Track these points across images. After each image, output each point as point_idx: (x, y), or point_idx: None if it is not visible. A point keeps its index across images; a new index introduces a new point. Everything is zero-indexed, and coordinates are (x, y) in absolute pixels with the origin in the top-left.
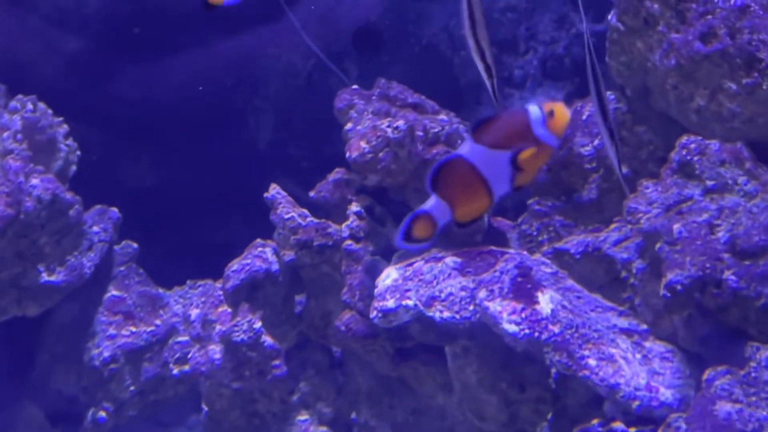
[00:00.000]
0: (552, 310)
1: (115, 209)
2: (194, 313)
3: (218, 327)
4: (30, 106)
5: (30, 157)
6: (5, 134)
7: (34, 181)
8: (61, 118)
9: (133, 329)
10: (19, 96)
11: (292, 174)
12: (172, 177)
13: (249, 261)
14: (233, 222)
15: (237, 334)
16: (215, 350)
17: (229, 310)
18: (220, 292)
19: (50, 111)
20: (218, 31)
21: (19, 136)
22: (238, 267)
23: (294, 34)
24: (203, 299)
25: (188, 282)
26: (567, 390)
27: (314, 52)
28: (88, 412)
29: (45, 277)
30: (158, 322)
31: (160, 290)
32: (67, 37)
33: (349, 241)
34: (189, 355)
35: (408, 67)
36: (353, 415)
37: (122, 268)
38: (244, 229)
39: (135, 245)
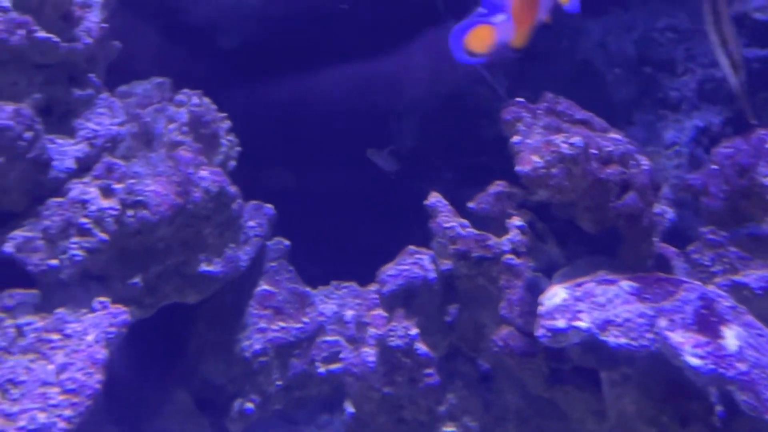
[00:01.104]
0: (738, 347)
1: (270, 206)
2: (349, 314)
3: (372, 330)
4: (196, 99)
5: (199, 150)
6: (171, 126)
7: (203, 173)
8: (224, 114)
9: (283, 324)
10: (185, 90)
11: (433, 183)
12: (311, 179)
13: (407, 267)
14: (371, 227)
15: (392, 339)
16: (369, 353)
17: (384, 313)
18: (375, 296)
19: (214, 106)
20: (366, 34)
21: (185, 128)
22: (395, 272)
23: (443, 42)
24: (358, 301)
25: (332, 283)
26: (732, 430)
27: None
28: (234, 402)
29: (204, 266)
30: (306, 319)
31: (307, 288)
32: (222, 37)
33: (510, 255)
34: (341, 356)
35: (559, 81)
36: None
37: (273, 264)
38: (382, 234)
39: (287, 242)
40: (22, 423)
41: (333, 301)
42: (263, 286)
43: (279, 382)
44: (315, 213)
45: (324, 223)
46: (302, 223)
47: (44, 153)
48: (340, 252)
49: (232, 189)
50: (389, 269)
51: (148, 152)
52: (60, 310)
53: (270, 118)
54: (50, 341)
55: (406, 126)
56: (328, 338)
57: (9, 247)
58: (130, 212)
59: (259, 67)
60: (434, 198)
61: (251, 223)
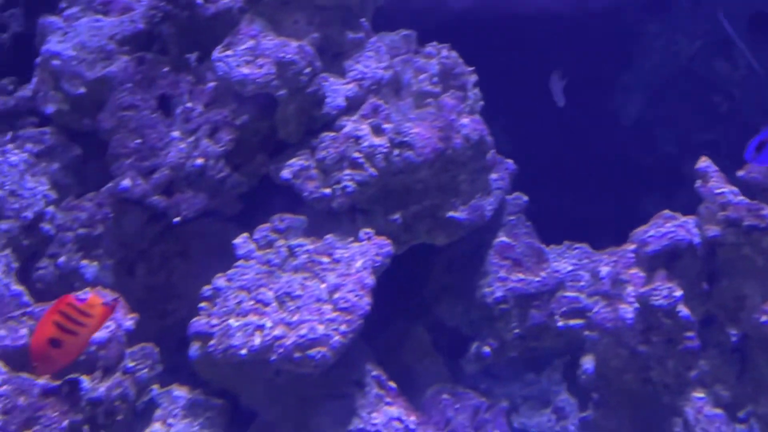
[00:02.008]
0: None
1: (510, 161)
2: (604, 270)
3: (631, 288)
4: (445, 52)
5: (460, 98)
6: (422, 76)
7: (464, 120)
8: (471, 68)
9: (522, 276)
10: (434, 43)
11: (651, 156)
12: (531, 142)
13: (671, 229)
14: (589, 192)
15: (655, 298)
16: (626, 310)
17: (642, 273)
18: (631, 255)
19: (461, 60)
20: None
21: (435, 79)
22: (657, 233)
23: (678, 12)
24: (614, 259)
25: (565, 243)
26: None
27: (726, 33)
28: (472, 344)
29: (454, 212)
30: (543, 274)
31: (542, 245)
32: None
33: None
34: (594, 310)
35: None
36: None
37: (512, 218)
38: (598, 200)
39: (525, 198)
40: (302, 331)
41: (566, 260)
42: (502, 238)
43: (517, 331)
44: (532, 177)
45: (541, 187)
46: (524, 184)
47: (320, 89)
48: (558, 215)
49: (489, 139)
50: (649, 230)
51: (397, 100)
52: (329, 236)
53: (495, 80)
54: (321, 263)
55: (632, 97)
56: (569, 294)
57: (286, 174)
58: (396, 151)
59: (489, 27)
60: (704, 162)
61: (494, 176)
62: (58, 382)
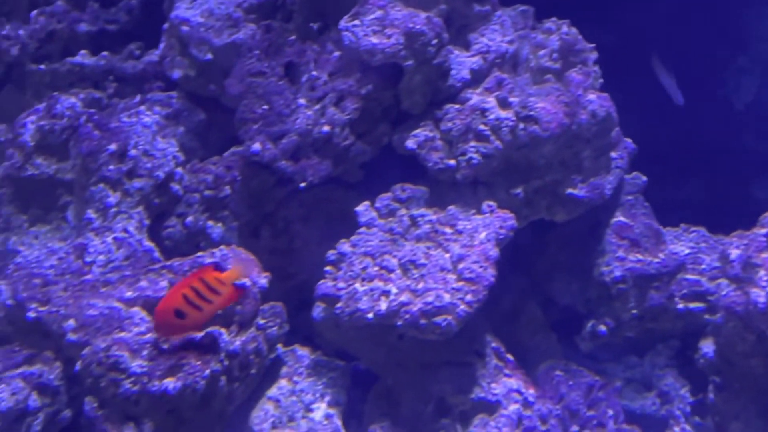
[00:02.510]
0: None
1: (629, 140)
2: (734, 253)
3: (763, 272)
4: (566, 28)
5: (587, 73)
6: (541, 52)
7: (591, 96)
8: (593, 45)
9: (640, 257)
10: (554, 18)
11: (765, 141)
12: (639, 125)
13: None
14: (699, 177)
15: None
16: (759, 294)
17: None
18: (763, 239)
19: (581, 36)
20: None
21: (555, 55)
22: None
23: None
24: (744, 242)
25: (682, 225)
26: None
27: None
28: (587, 322)
29: (573, 189)
30: (662, 255)
31: (660, 226)
32: None
33: None
34: (722, 293)
35: None
36: None
37: (630, 198)
38: (709, 185)
39: (644, 178)
40: (429, 299)
41: (683, 243)
42: (619, 218)
43: (634, 311)
44: (645, 159)
45: (652, 171)
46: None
47: (447, 61)
48: (669, 199)
49: (616, 116)
50: None
51: (515, 76)
52: (451, 207)
53: (602, 61)
54: (444, 233)
55: (746, 81)
56: (690, 276)
57: (411, 144)
58: (522, 125)
59: (597, 6)
60: None
61: (613, 154)
62: (200, 333)
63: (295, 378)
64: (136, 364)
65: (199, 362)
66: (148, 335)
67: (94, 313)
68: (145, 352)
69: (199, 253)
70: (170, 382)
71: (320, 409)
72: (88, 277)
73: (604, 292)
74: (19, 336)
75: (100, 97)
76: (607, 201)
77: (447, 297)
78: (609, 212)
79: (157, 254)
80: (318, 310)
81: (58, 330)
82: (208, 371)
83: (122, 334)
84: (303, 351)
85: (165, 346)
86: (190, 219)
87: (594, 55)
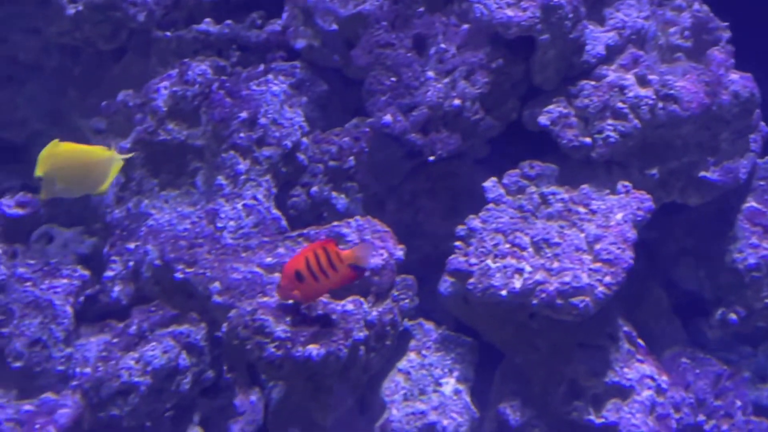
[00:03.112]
0: None
1: (764, 123)
2: None
3: None
4: (697, 5)
5: (729, 52)
6: (672, 29)
7: (733, 76)
8: (726, 23)
9: None
10: None
11: None
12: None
13: None
14: None
15: None
16: None
17: None
18: None
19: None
20: None
21: (687, 33)
22: None
23: None
24: None
25: None
26: None
27: None
28: (716, 309)
29: (706, 172)
30: None
31: None
32: None
33: None
34: None
35: None
36: None
37: (762, 183)
38: None
39: None
40: (566, 279)
41: None
42: (751, 203)
43: (767, 300)
44: None
45: None
46: None
47: (582, 36)
48: None
49: (759, 98)
50: None
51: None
52: (584, 186)
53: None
54: (577, 212)
55: None
56: None
57: (544, 120)
58: (661, 104)
59: None
60: None
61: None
62: (341, 302)
63: (424, 352)
64: (280, 329)
65: (341, 331)
66: (290, 301)
67: (238, 276)
68: (288, 318)
69: (335, 223)
70: (314, 349)
71: (449, 384)
72: (229, 241)
73: (736, 280)
74: (164, 296)
75: (224, 65)
76: (740, 186)
77: (585, 278)
78: (740, 197)
79: (284, 223)
80: (446, 284)
81: (204, 292)
82: (350, 340)
83: (265, 299)
84: (429, 324)
85: (305, 312)
86: (315, 189)
87: (727, 34)
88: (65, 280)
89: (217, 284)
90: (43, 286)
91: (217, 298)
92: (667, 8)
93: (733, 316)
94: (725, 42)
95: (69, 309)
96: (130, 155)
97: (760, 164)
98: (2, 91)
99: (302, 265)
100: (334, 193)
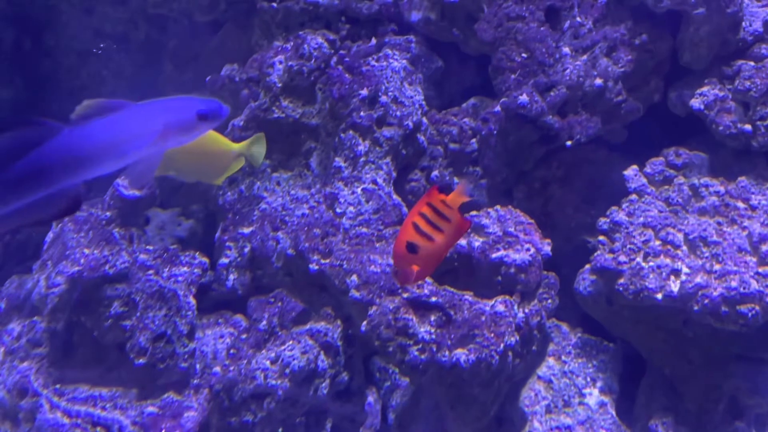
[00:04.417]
0: None
1: None
2: None
3: None
4: None
5: None
6: None
7: None
8: None
9: None
10: None
11: None
12: None
13: None
14: None
15: None
16: None
17: None
18: None
19: None
20: None
21: None
22: None
23: None
24: None
25: None
26: None
27: None
28: None
29: None
30: None
31: None
32: None
33: None
34: None
35: None
36: None
37: None
38: None
39: None
40: (732, 283)
41: None
42: None
43: None
44: None
45: None
46: None
47: (741, 11)
48: None
49: None
50: None
51: None
52: (742, 179)
53: None
54: (736, 208)
55: None
56: None
57: (697, 104)
58: None
59: None
60: None
61: None
62: (490, 301)
63: (564, 357)
64: (425, 330)
65: (492, 334)
66: (433, 299)
67: (376, 270)
68: (433, 317)
69: (473, 213)
70: (462, 354)
71: (593, 395)
72: (363, 230)
73: None
74: (294, 289)
75: (334, 39)
76: None
77: (754, 284)
78: None
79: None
80: (586, 283)
81: (341, 285)
82: (502, 345)
83: (407, 295)
84: (564, 326)
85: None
86: (435, 173)
87: None
88: (185, 268)
89: (354, 277)
90: (164, 275)
91: (354, 293)
92: None
93: None
94: None
95: (192, 300)
96: (258, 152)
97: None
98: (89, 65)
99: (411, 234)
100: (456, 178)
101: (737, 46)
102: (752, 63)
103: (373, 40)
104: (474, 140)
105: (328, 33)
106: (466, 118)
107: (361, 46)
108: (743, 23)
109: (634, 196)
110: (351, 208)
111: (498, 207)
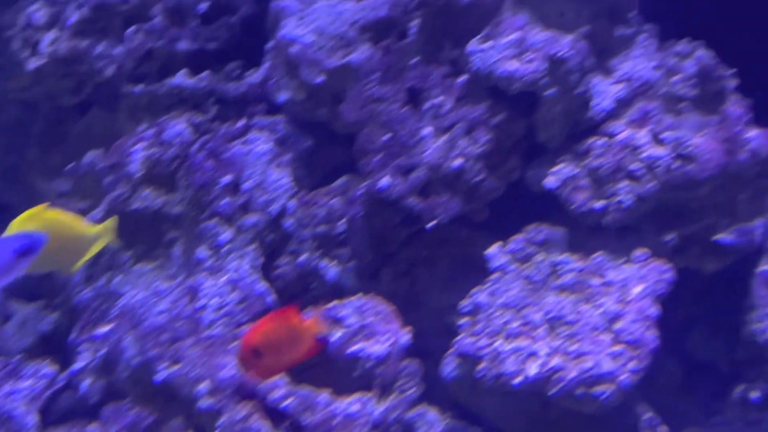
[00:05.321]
0: None
1: None
2: None
3: None
4: (702, 51)
5: (747, 107)
6: (675, 78)
7: (752, 132)
8: (733, 70)
9: None
10: (687, 39)
11: None
12: None
13: None
14: None
15: None
16: None
17: None
18: None
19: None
20: None
21: (693, 81)
22: None
23: None
24: None
25: None
26: None
27: None
28: (735, 387)
29: (723, 235)
30: None
31: None
32: None
33: None
34: None
35: None
36: None
37: None
38: None
39: None
40: (587, 364)
41: None
42: (766, 266)
43: None
44: None
45: None
46: None
47: (589, 90)
48: None
49: None
50: None
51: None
52: (597, 255)
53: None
54: (591, 285)
55: None
56: None
57: (552, 182)
58: (676, 164)
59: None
60: None
61: None
62: (346, 399)
63: None
64: None
65: None
66: (286, 402)
67: (229, 373)
68: (287, 423)
69: (334, 303)
70: None
71: None
72: (218, 330)
73: (755, 354)
74: (143, 399)
75: (200, 122)
76: (755, 248)
77: (607, 363)
78: (754, 260)
79: (271, 297)
80: (450, 367)
81: (190, 395)
82: None
83: (255, 402)
84: (432, 412)
85: (304, 419)
86: (303, 257)
87: (734, 83)
88: (29, 382)
89: (204, 385)
90: (2, 392)
91: (204, 402)
92: (668, 54)
93: (755, 394)
94: (731, 91)
95: (35, 417)
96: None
97: None
98: None
99: (260, 340)
100: (324, 261)
101: (588, 124)
102: (604, 140)
103: (242, 122)
104: (342, 221)
105: (195, 115)
106: (336, 198)
107: (229, 127)
108: (592, 102)
109: (497, 275)
110: (214, 300)
111: (360, 295)
